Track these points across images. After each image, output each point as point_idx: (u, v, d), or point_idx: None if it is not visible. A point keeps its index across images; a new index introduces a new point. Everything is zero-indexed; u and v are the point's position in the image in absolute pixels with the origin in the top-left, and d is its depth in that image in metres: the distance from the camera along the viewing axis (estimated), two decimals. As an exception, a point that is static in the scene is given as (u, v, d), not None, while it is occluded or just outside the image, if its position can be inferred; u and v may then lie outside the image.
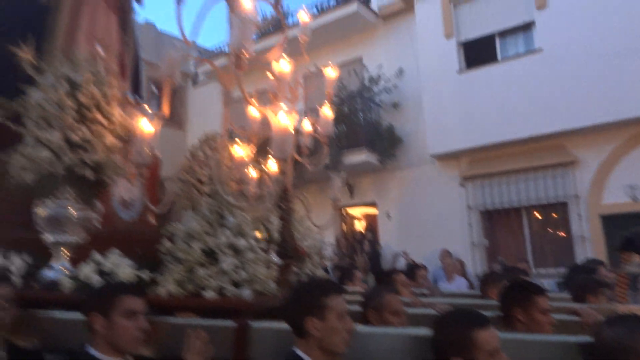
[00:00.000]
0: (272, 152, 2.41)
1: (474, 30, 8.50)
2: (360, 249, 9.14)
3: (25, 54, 2.61)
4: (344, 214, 10.59)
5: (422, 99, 8.79)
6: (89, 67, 2.60)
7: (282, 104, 2.37)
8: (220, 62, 8.49)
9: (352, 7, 9.28)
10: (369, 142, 9.15)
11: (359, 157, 9.06)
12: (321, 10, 9.60)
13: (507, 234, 8.39)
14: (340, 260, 8.60)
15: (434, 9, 8.73)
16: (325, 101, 3.00)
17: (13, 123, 2.48)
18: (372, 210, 10.24)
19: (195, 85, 12.67)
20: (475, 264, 8.28)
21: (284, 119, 2.37)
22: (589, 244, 7.31)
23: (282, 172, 2.69)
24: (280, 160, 2.45)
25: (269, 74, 3.06)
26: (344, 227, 10.64)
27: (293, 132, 2.43)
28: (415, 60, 9.05)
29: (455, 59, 8.51)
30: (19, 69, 2.79)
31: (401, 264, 8.18)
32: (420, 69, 8.85)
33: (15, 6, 3.10)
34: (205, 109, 11.52)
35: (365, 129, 9.22)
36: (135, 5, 3.67)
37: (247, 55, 2.34)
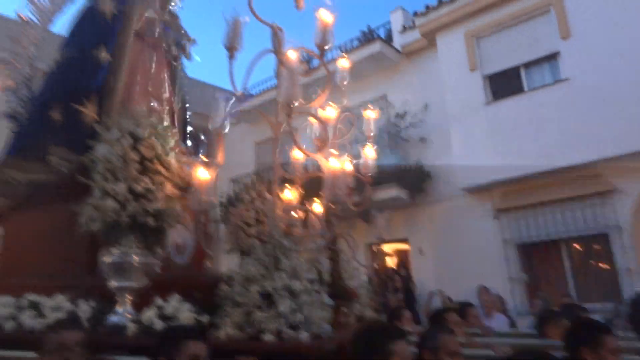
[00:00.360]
0: (325, 196, 2.56)
1: (499, 63, 8.69)
2: (393, 286, 9.06)
3: (90, 111, 2.85)
4: (375, 251, 10.58)
5: (450, 132, 8.91)
6: (148, 120, 2.82)
7: (332, 150, 2.55)
8: (250, 104, 8.83)
9: (375, 47, 9.63)
10: (398, 177, 9.25)
11: (388, 193, 9.13)
12: (345, 51, 9.99)
13: (546, 267, 8.24)
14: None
15: (457, 43, 8.99)
16: (367, 142, 3.16)
17: (82, 176, 2.68)
18: (403, 247, 10.21)
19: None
20: (515, 300, 8.12)
21: (335, 163, 2.54)
22: (637, 277, 7.11)
23: (331, 214, 2.83)
24: (333, 203, 2.58)
25: (311, 119, 3.26)
26: (376, 264, 10.60)
27: (345, 176, 2.58)
28: (441, 94, 9.24)
29: (482, 92, 8.67)
30: (85, 126, 3.06)
31: (436, 302, 8.07)
32: (446, 102, 9.03)
33: (79, 66, 3.39)
34: (233, 150, 11.89)
35: (394, 165, 9.35)
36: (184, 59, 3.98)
37: (295, 104, 2.54)
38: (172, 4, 4.16)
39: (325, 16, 2.55)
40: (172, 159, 2.85)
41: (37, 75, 3.80)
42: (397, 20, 10.17)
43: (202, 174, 2.70)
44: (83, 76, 3.35)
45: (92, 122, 3.01)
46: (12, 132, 3.49)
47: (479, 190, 8.66)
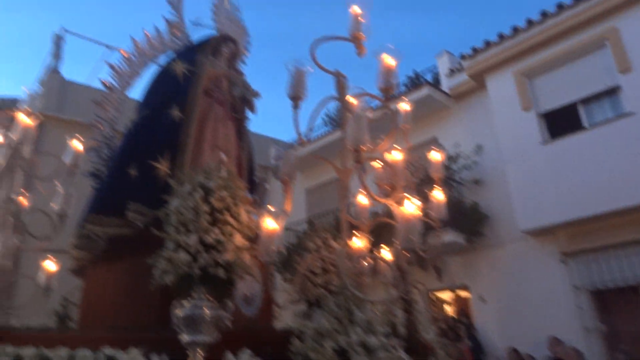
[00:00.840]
0: (398, 242, 2.44)
1: (554, 100, 8.41)
2: (456, 336, 8.51)
3: (164, 167, 2.93)
4: (433, 299, 10.09)
5: (506, 173, 8.58)
6: (217, 173, 2.85)
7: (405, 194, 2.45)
8: (304, 151, 8.94)
9: (424, 91, 9.63)
10: (454, 221, 8.91)
11: (444, 237, 8.79)
12: (393, 97, 10.04)
13: (626, 316, 7.47)
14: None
15: (507, 84, 8.83)
16: (435, 185, 3.06)
17: (156, 229, 2.72)
18: (463, 294, 9.68)
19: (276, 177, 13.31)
20: (593, 354, 7.36)
21: (410, 207, 2.43)
22: None
23: (405, 261, 2.69)
24: (406, 249, 2.46)
25: (375, 163, 3.19)
26: (434, 312, 10.07)
27: (417, 221, 2.46)
28: (494, 135, 9.00)
29: (537, 131, 8.36)
30: (159, 181, 3.16)
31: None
32: (500, 143, 8.76)
33: (153, 125, 3.56)
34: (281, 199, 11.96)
35: (448, 208, 9.03)
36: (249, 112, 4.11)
37: (364, 149, 2.49)
38: (238, 62, 4.38)
39: (388, 60, 2.54)
40: (240, 209, 2.83)
41: (117, 136, 4.04)
42: (443, 64, 10.19)
43: (269, 224, 2.67)
44: (157, 134, 3.49)
45: (166, 176, 3.09)
46: (93, 190, 3.65)
47: (542, 233, 8.16)
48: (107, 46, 9.23)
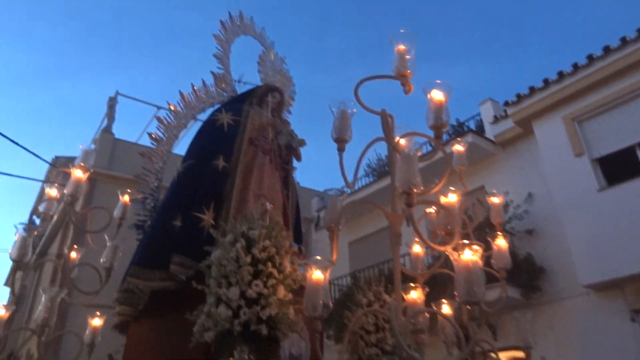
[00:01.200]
0: (459, 295, 2.15)
1: (608, 144, 7.90)
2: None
3: (208, 218, 2.82)
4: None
5: (562, 222, 7.98)
6: (261, 223, 2.71)
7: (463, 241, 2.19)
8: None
9: (468, 139, 9.36)
10: (507, 275, 8.26)
11: (497, 292, 8.11)
12: (427, 153, 9.85)
13: None
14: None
15: (556, 129, 8.42)
16: (497, 232, 2.77)
17: (198, 283, 2.57)
18: (519, 354, 8.77)
19: (318, 228, 13.13)
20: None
21: (469, 255, 2.16)
22: None
23: (468, 316, 2.38)
24: (469, 303, 2.16)
25: (429, 209, 2.96)
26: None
27: (480, 271, 2.19)
28: (545, 183, 8.51)
29: (593, 177, 7.81)
30: (203, 232, 3.05)
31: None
32: (553, 191, 8.24)
33: (198, 175, 3.52)
34: (325, 252, 11.68)
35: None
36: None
37: (416, 192, 2.27)
38: (283, 111, 4.38)
39: (438, 96, 2.37)
40: (285, 260, 2.67)
41: (162, 187, 4.03)
42: (487, 112, 9.95)
43: (316, 275, 2.46)
44: (201, 184, 3.43)
45: (209, 227, 3.01)
46: (138, 242, 3.62)
47: (607, 287, 7.36)
48: (157, 107, 9.70)
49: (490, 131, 9.71)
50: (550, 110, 8.50)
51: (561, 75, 8.35)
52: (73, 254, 3.92)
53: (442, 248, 2.26)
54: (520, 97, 8.84)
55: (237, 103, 4.06)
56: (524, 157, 9.14)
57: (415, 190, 2.24)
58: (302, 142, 4.00)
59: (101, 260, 3.42)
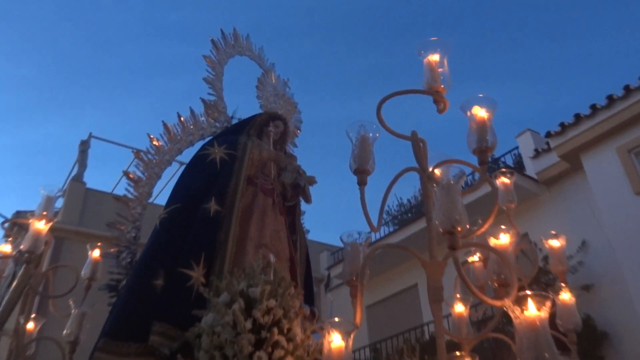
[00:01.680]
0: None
1: (675, 180, 7.75)
2: None
3: (198, 274, 2.71)
4: None
5: (625, 276, 7.70)
6: (264, 278, 2.58)
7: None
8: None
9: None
10: (562, 341, 7.89)
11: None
12: (466, 187, 9.73)
13: None
14: None
15: (610, 163, 8.31)
16: (561, 284, 2.59)
17: (185, 357, 2.40)
18: None
19: (329, 289, 12.84)
20: None
21: (535, 310, 1.99)
22: None
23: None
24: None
25: (471, 259, 2.83)
26: None
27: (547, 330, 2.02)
28: (600, 228, 8.33)
29: (659, 219, 7.61)
30: (191, 292, 2.91)
31: None
32: (611, 238, 8.03)
33: (185, 222, 3.43)
34: (339, 315, 11.34)
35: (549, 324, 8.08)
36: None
37: (460, 231, 2.14)
38: (288, 143, 4.31)
39: (480, 112, 2.27)
40: (295, 325, 2.52)
41: (141, 238, 3.90)
42: (526, 145, 9.92)
43: (335, 342, 2.28)
44: (189, 233, 3.36)
45: (200, 286, 2.89)
46: (110, 308, 3.49)
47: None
48: (137, 151, 9.67)
49: (531, 167, 9.62)
50: (601, 141, 8.43)
51: (611, 100, 8.34)
52: (30, 325, 3.75)
53: (498, 303, 2.07)
54: (564, 127, 8.80)
55: (232, 134, 4.01)
56: (574, 198, 9.00)
57: (459, 228, 2.09)
58: (312, 180, 3.92)
59: (64, 332, 3.25)
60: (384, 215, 12.87)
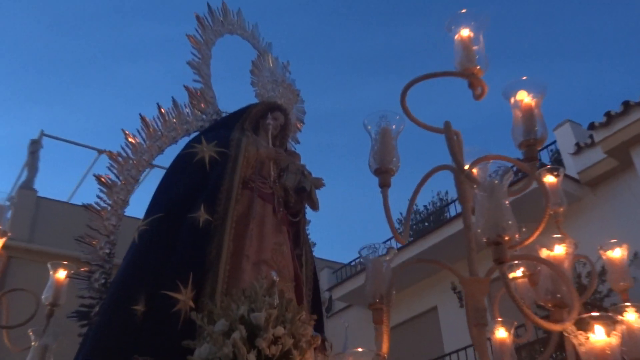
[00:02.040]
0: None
1: None
2: None
3: (186, 298, 2.72)
4: None
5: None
6: (267, 300, 2.59)
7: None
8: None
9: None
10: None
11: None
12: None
13: None
14: None
15: (666, 160, 8.39)
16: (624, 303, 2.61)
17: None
18: None
19: (330, 313, 12.87)
20: None
21: (602, 336, 2.02)
22: None
23: None
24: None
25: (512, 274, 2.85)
26: None
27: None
28: (656, 235, 8.36)
29: None
30: (178, 319, 2.92)
31: None
32: (669, 247, 8.08)
33: (169, 236, 3.44)
34: (343, 340, 11.37)
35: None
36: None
37: (509, 240, 2.15)
38: (288, 139, 4.31)
39: (527, 98, 2.27)
40: (308, 357, 2.56)
41: (116, 255, 3.87)
42: (565, 138, 9.96)
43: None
44: (174, 248, 3.36)
45: (189, 312, 2.93)
46: (81, 339, 3.47)
47: None
48: (99, 151, 9.64)
49: (571, 166, 9.64)
50: (656, 134, 8.50)
51: (666, 83, 8.39)
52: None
53: (558, 327, 2.07)
54: (610, 117, 8.84)
55: (223, 129, 4.02)
56: (623, 201, 9.07)
57: (506, 237, 2.10)
58: (318, 183, 3.96)
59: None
60: (396, 225, 12.93)
